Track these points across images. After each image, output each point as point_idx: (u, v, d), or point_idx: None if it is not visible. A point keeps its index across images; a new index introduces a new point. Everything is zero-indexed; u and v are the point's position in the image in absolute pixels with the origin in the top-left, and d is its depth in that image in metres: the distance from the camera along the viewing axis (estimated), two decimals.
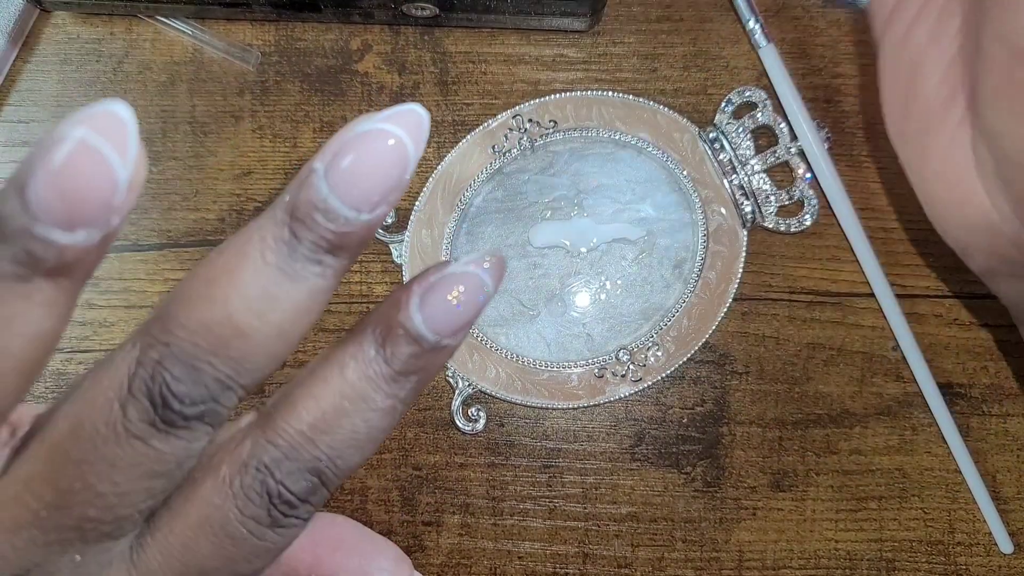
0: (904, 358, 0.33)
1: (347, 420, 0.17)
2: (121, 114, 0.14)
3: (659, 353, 0.33)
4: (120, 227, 0.15)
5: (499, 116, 0.33)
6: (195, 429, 0.16)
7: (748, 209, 0.33)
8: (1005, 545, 0.33)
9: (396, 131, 0.15)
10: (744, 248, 0.33)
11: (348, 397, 0.17)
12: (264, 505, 0.17)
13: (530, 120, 0.33)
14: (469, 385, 0.33)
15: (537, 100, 0.33)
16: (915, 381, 0.33)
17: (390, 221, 0.33)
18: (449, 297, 0.17)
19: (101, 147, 0.14)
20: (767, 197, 0.33)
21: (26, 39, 0.34)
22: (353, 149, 0.15)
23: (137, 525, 0.17)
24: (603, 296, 0.33)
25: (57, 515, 0.16)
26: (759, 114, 0.33)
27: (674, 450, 0.33)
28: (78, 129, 0.13)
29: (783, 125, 0.33)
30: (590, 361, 0.33)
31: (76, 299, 0.16)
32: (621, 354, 0.33)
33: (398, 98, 0.34)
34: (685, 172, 0.33)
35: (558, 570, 0.33)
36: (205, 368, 0.16)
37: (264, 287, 0.16)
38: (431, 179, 0.33)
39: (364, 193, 0.15)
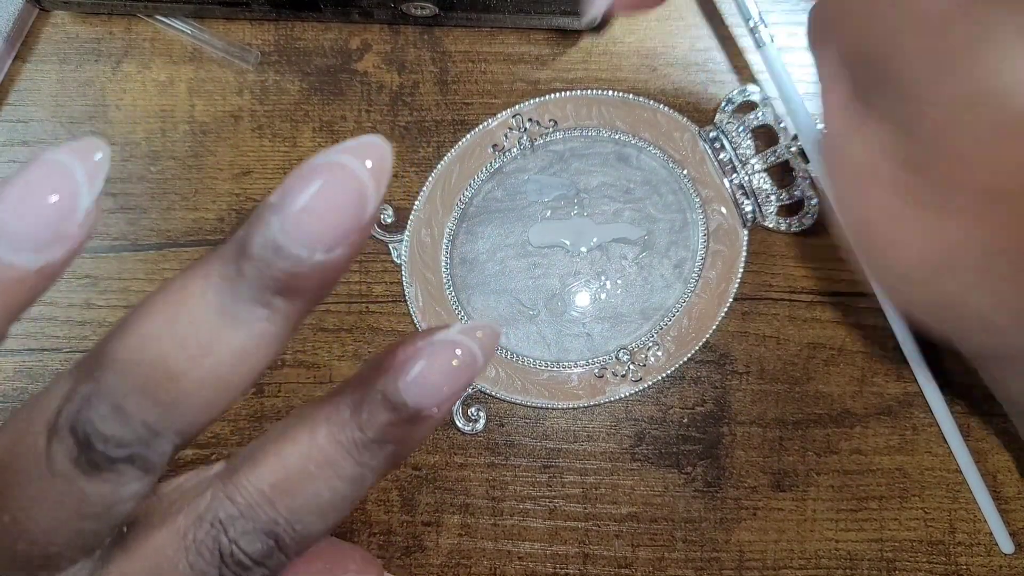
0: (904, 358, 0.33)
1: (311, 484, 0.16)
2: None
3: (659, 353, 0.33)
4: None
5: (499, 115, 0.33)
6: (123, 473, 0.15)
7: (748, 208, 0.33)
8: (1006, 545, 0.32)
9: (353, 164, 0.14)
10: (744, 248, 0.33)
11: (315, 460, 0.16)
12: (215, 563, 0.16)
13: (530, 119, 0.33)
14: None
15: (537, 99, 0.33)
16: (915, 381, 0.33)
17: (389, 221, 0.33)
18: (435, 366, 0.15)
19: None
20: (767, 196, 0.33)
21: (25, 38, 0.34)
22: (308, 183, 0.14)
23: (77, 562, 0.16)
24: (603, 296, 0.33)
25: None
26: (759, 113, 0.33)
27: (674, 450, 0.33)
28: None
29: (783, 124, 0.33)
30: (590, 361, 0.33)
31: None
32: (621, 354, 0.33)
33: (398, 97, 0.34)
34: (685, 171, 0.33)
35: (558, 570, 0.33)
36: (132, 410, 0.14)
37: (201, 328, 0.14)
38: (431, 178, 0.33)
39: (319, 232, 0.14)
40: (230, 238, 0.15)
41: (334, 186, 0.14)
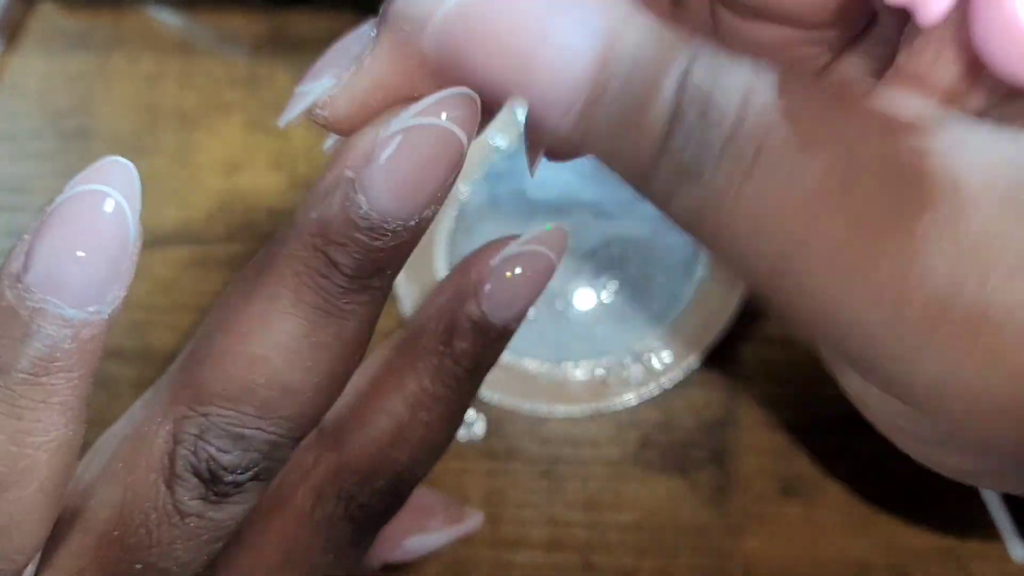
0: None
1: (424, 429, 0.16)
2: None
3: (664, 356, 0.32)
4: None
5: (498, 111, 0.33)
6: (251, 491, 0.15)
7: None
8: (1019, 552, 0.32)
9: (439, 120, 0.13)
10: None
11: (424, 406, 0.16)
12: (348, 531, 0.16)
13: None
14: None
15: None
16: None
17: None
18: (514, 280, 0.16)
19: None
20: None
21: (11, 31, 0.34)
22: (390, 144, 0.13)
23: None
24: (606, 297, 0.33)
25: None
26: None
27: (680, 456, 0.33)
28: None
29: None
30: (593, 364, 0.32)
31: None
32: (625, 357, 0.32)
33: None
34: None
35: None
36: (254, 435, 0.14)
37: (309, 335, 0.14)
38: None
39: (411, 196, 0.13)
40: (299, 223, 0.14)
41: (421, 141, 0.13)
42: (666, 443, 0.33)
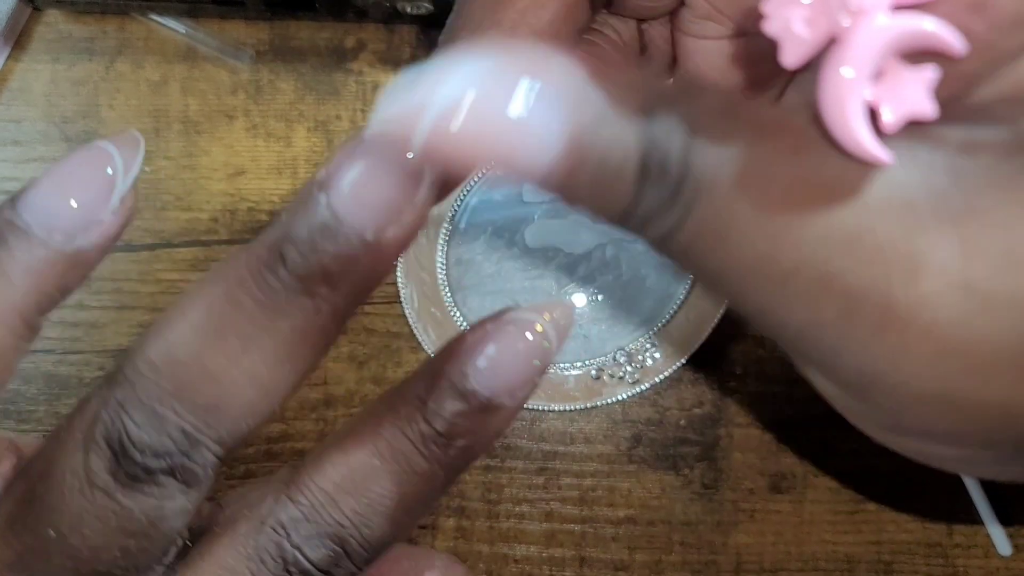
0: None
1: (377, 483, 0.15)
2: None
3: (656, 354, 0.33)
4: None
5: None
6: (164, 486, 0.14)
7: None
8: (1004, 547, 0.32)
9: (403, 137, 0.13)
10: None
11: (380, 456, 0.15)
12: (279, 573, 0.15)
13: None
14: None
15: None
16: None
17: None
18: (505, 349, 0.15)
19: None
20: None
21: (17, 38, 0.34)
22: (356, 158, 0.13)
23: None
24: (600, 297, 0.33)
25: (37, 561, 0.14)
26: None
27: (672, 452, 0.33)
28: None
29: None
30: (587, 362, 0.33)
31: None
32: (618, 355, 0.33)
33: None
34: None
35: (555, 573, 0.32)
36: (168, 415, 0.14)
37: (239, 323, 0.13)
38: None
39: (369, 207, 0.13)
40: (271, 223, 0.14)
41: (384, 159, 0.13)
42: (658, 440, 0.33)
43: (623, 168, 0.13)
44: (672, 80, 0.14)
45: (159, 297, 0.33)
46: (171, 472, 0.14)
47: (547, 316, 0.15)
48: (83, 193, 0.14)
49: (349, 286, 0.14)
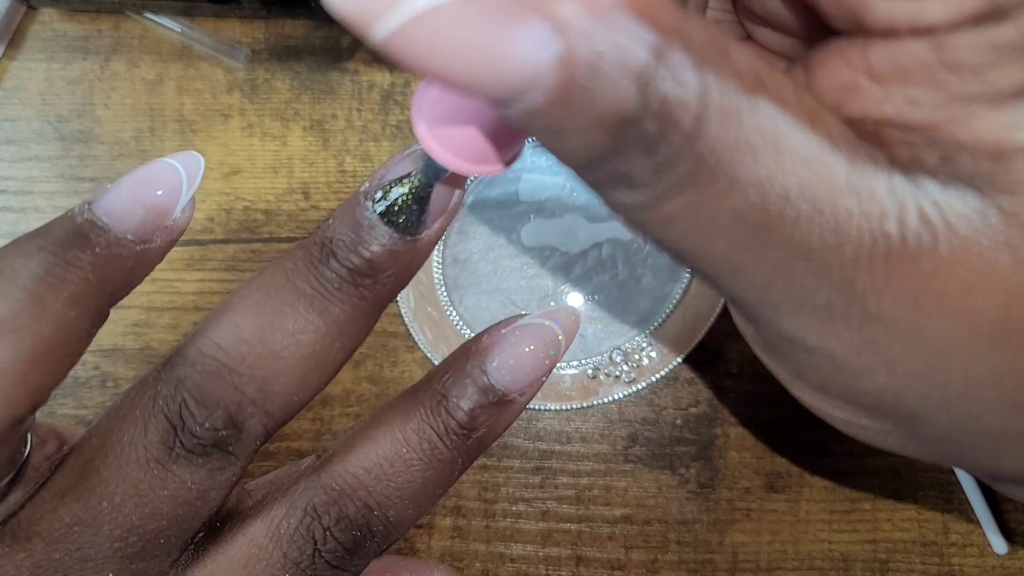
0: None
1: (404, 470, 0.16)
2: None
3: (652, 354, 0.33)
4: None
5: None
6: (214, 457, 0.15)
7: None
8: (999, 546, 0.32)
9: (446, 155, 0.14)
10: None
11: (408, 446, 0.16)
12: (309, 552, 0.16)
13: None
14: None
15: None
16: None
17: None
18: (520, 350, 0.16)
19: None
20: None
21: (12, 36, 0.33)
22: (399, 166, 0.15)
23: (172, 553, 0.16)
24: (596, 296, 0.33)
25: (88, 532, 0.15)
26: None
27: (668, 451, 0.33)
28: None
29: None
30: (583, 362, 0.33)
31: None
32: (614, 355, 0.33)
33: (388, 96, 0.33)
34: None
35: (551, 572, 0.32)
36: (226, 388, 0.15)
37: (298, 308, 0.15)
38: None
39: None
40: (321, 225, 0.16)
41: (435, 167, 0.15)
42: (654, 439, 0.33)
43: (612, 110, 0.12)
44: (703, 29, 0.12)
45: (154, 296, 0.33)
46: (224, 443, 0.15)
47: (560, 318, 0.17)
48: (153, 203, 0.16)
49: (390, 277, 0.16)
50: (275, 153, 0.33)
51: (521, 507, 0.33)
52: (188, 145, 0.33)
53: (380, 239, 0.15)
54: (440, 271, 0.33)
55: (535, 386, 0.17)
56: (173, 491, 0.15)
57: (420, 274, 0.33)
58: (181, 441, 0.15)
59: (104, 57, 0.33)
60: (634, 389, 0.33)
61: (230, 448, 0.16)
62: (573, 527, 0.33)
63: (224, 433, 0.15)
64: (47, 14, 0.34)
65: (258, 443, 0.16)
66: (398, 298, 0.33)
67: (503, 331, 0.17)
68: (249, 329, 0.15)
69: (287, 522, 0.16)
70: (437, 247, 0.33)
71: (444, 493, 0.17)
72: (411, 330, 0.33)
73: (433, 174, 0.15)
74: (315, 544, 0.16)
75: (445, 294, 0.33)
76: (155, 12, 0.33)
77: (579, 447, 0.33)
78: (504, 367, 0.16)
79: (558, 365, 0.33)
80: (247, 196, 0.33)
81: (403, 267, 0.16)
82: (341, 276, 0.15)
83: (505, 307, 0.33)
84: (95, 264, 0.15)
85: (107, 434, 0.16)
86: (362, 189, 0.15)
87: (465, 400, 0.16)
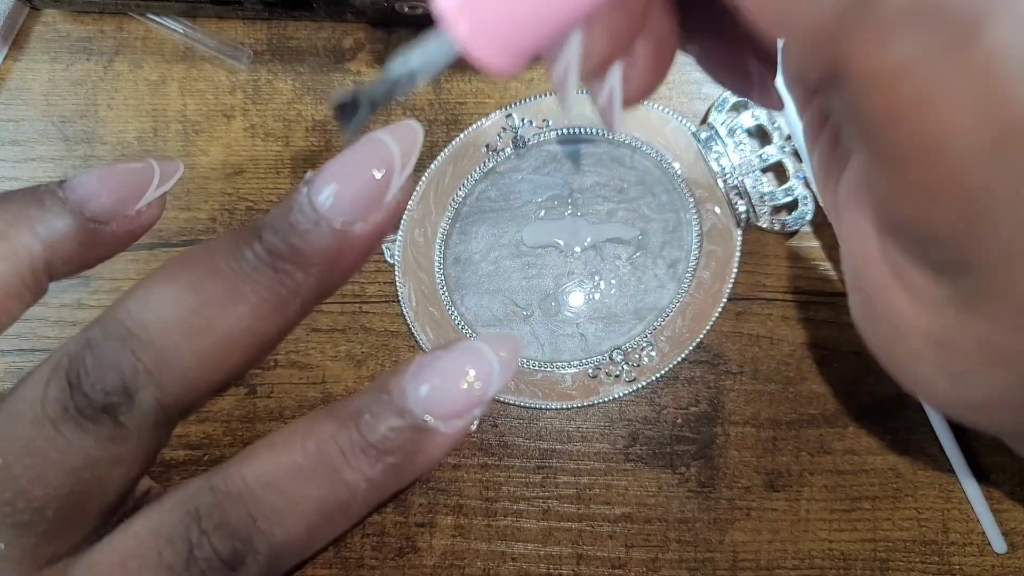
0: None
1: (298, 484, 0.15)
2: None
3: (653, 353, 0.33)
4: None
5: (492, 115, 0.33)
6: (103, 424, 0.15)
7: (742, 209, 0.33)
8: (999, 545, 0.32)
9: (386, 142, 0.15)
10: (738, 248, 0.33)
11: (306, 457, 0.15)
12: (183, 557, 0.14)
13: (523, 119, 0.33)
14: None
15: (531, 99, 0.33)
16: None
17: None
18: (448, 374, 0.15)
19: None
20: (761, 197, 0.33)
21: (15, 37, 0.34)
22: (342, 159, 0.15)
23: (65, 535, 0.15)
24: (597, 296, 0.33)
25: None
26: (753, 113, 0.33)
27: (668, 450, 0.33)
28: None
29: (777, 124, 0.33)
30: (584, 361, 0.33)
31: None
32: (615, 354, 0.33)
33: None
34: (679, 171, 0.33)
35: (552, 571, 0.33)
36: (124, 353, 0.15)
37: (207, 285, 0.15)
38: (424, 178, 0.33)
39: (342, 198, 0.15)
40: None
41: (363, 159, 0.15)
42: (655, 438, 0.33)
43: None
44: None
45: None
46: (114, 409, 0.15)
47: (498, 349, 0.15)
48: (119, 191, 0.16)
49: (314, 269, 0.15)
50: (278, 154, 0.33)
51: (522, 506, 0.33)
52: (191, 146, 0.33)
53: (307, 223, 0.15)
54: (441, 271, 0.33)
55: (461, 419, 0.15)
56: (62, 454, 0.15)
57: (422, 274, 0.33)
58: (75, 402, 0.15)
59: (107, 58, 0.34)
60: (634, 388, 0.33)
61: (120, 417, 0.15)
62: (574, 526, 0.33)
63: (115, 399, 0.15)
64: (50, 15, 0.34)
65: (152, 420, 0.15)
66: (400, 297, 0.33)
67: (435, 353, 0.15)
68: (156, 299, 0.15)
69: (168, 518, 0.15)
70: (438, 246, 0.33)
71: (347, 525, 0.15)
72: (413, 330, 0.33)
73: (420, 69, 0.14)
74: (190, 548, 0.14)
75: (447, 294, 0.33)
76: (158, 13, 0.33)
77: (580, 446, 0.33)
78: (427, 391, 0.15)
79: (559, 364, 0.33)
80: (250, 197, 0.33)
81: (330, 261, 0.15)
82: (260, 258, 0.15)
83: (506, 307, 0.33)
84: (43, 223, 0.16)
85: (13, 390, 0.15)
86: (306, 177, 0.15)
87: (380, 420, 0.15)
